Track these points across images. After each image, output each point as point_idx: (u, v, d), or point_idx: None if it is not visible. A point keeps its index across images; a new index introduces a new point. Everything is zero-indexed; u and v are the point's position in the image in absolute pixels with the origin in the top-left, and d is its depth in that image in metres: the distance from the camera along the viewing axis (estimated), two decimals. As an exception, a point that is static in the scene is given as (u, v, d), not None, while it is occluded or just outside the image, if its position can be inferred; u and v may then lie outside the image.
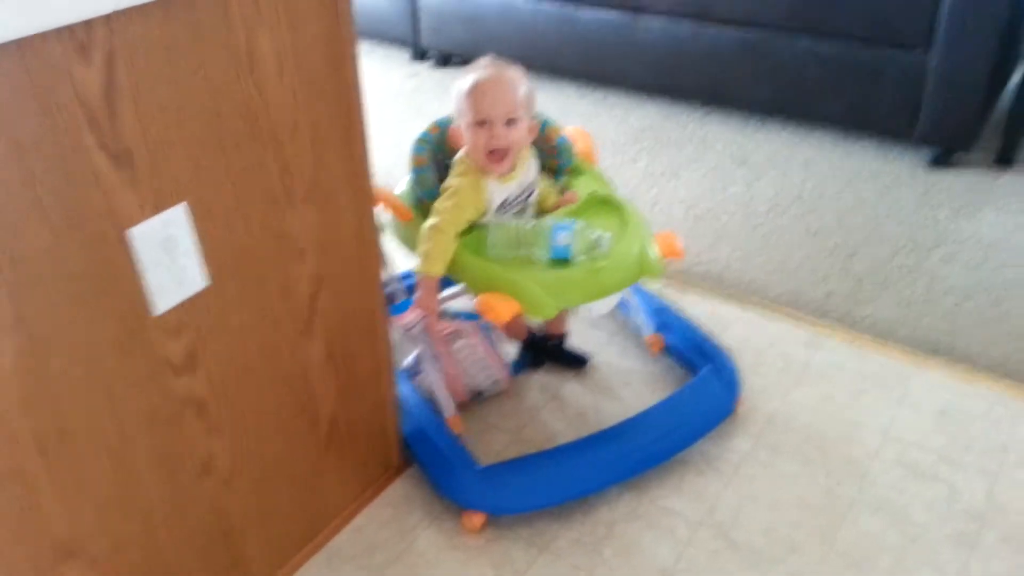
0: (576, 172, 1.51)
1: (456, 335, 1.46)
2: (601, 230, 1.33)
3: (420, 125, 1.48)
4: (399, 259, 1.52)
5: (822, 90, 2.34)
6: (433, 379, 1.45)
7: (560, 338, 1.62)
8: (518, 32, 2.83)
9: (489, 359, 1.50)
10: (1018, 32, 2.28)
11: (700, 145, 2.47)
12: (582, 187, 1.47)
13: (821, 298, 1.80)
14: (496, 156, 1.34)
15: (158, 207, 0.88)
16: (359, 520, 1.34)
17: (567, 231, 1.30)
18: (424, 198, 1.43)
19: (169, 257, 0.90)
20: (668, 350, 1.62)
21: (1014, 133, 2.27)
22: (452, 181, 1.38)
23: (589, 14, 2.64)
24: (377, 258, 1.21)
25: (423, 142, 1.46)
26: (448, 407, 1.44)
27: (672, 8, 2.47)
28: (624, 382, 1.60)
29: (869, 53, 2.24)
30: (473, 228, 1.37)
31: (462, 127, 1.37)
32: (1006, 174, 2.26)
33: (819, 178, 2.26)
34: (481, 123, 1.33)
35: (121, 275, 0.86)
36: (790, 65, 2.35)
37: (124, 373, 0.90)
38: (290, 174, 1.01)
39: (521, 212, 1.42)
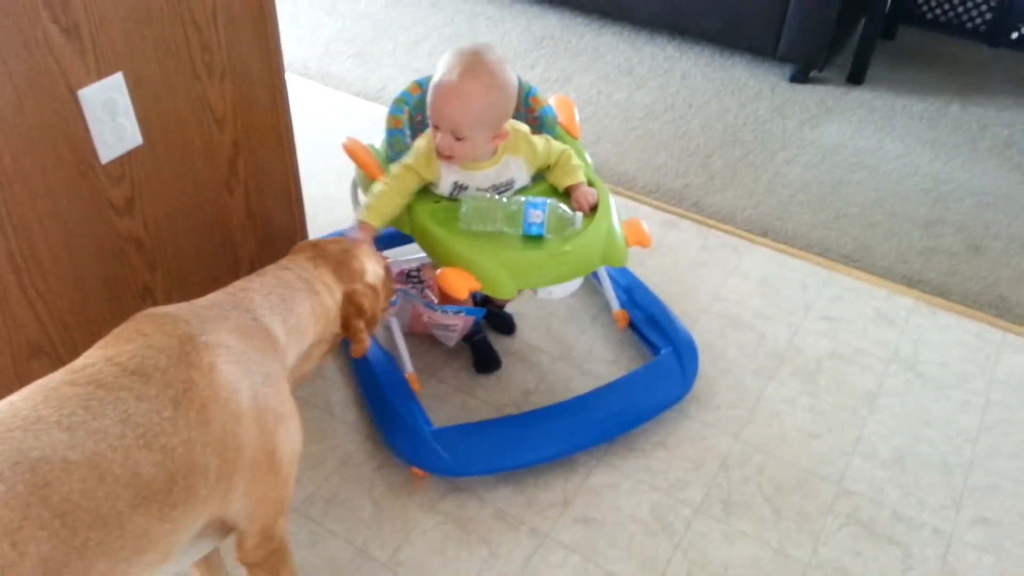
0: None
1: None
2: (571, 208, 1.34)
3: (331, 20, 1.60)
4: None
5: (701, 7, 2.60)
6: (396, 329, 1.46)
7: (501, 305, 1.64)
8: (429, -58, 2.96)
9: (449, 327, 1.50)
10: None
11: (593, 55, 2.71)
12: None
13: (679, 189, 2.10)
14: (442, 155, 1.33)
15: (101, 74, 1.08)
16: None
17: (539, 208, 1.30)
18: (395, 159, 1.40)
19: (111, 116, 1.10)
20: (633, 326, 1.65)
21: (863, 56, 2.59)
22: (416, 142, 1.37)
23: (495, -73, 2.80)
24: (289, 128, 1.42)
25: (401, 102, 1.43)
26: (407, 362, 1.46)
27: (571, -75, 2.66)
28: (587, 354, 1.64)
29: (743, -25, 2.49)
30: (443, 199, 1.37)
31: None
32: (855, 91, 2.59)
33: (692, 89, 2.55)
34: (434, 125, 1.32)
35: (73, 129, 1.07)
36: (674, -16, 2.60)
37: (77, 210, 1.11)
38: (209, 52, 1.21)
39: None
